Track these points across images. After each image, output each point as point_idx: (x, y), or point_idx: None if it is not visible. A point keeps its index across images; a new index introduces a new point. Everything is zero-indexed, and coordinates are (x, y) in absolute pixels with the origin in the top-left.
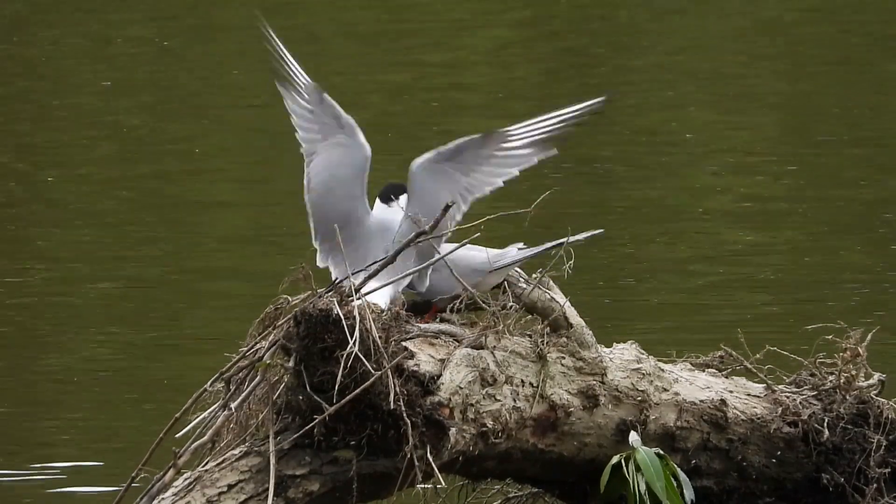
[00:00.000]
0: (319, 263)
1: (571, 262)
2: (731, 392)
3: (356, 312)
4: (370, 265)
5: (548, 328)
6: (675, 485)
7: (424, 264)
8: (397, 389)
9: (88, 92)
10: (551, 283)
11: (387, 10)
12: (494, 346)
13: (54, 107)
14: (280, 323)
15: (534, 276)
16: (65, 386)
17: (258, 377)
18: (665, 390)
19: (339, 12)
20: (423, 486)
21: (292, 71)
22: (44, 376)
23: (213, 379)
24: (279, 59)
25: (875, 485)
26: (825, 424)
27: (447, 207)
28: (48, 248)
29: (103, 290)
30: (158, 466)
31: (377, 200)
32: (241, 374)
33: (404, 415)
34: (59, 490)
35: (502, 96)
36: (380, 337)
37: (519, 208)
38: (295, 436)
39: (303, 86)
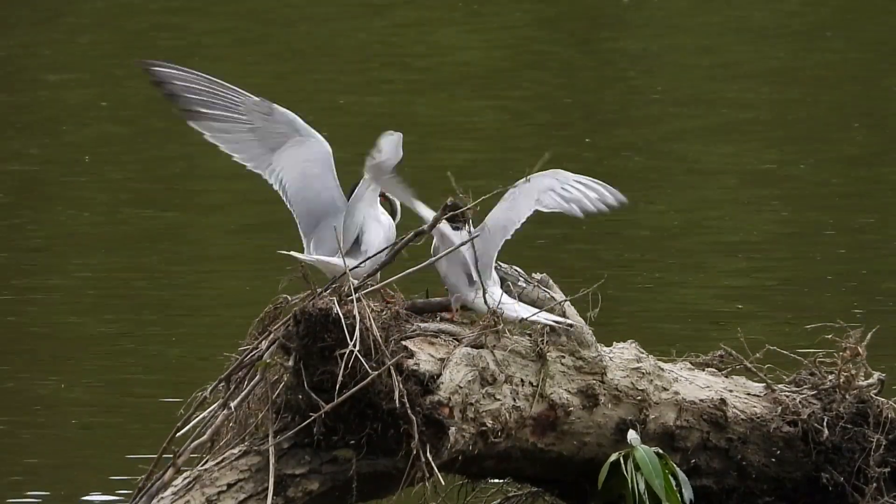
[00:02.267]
0: (304, 257)
1: (597, 309)
2: (730, 391)
3: (356, 311)
4: (364, 260)
5: (547, 327)
6: (673, 484)
7: (422, 264)
8: (401, 387)
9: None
10: (551, 282)
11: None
12: (494, 346)
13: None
14: (279, 323)
15: (534, 275)
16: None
17: (257, 376)
18: (665, 389)
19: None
20: (423, 484)
21: (217, 95)
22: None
23: (215, 385)
24: (193, 89)
25: (875, 484)
26: (825, 424)
27: (445, 207)
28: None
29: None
30: (158, 466)
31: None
32: (240, 374)
33: (408, 411)
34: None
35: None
36: (380, 336)
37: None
38: (290, 433)
39: (243, 105)
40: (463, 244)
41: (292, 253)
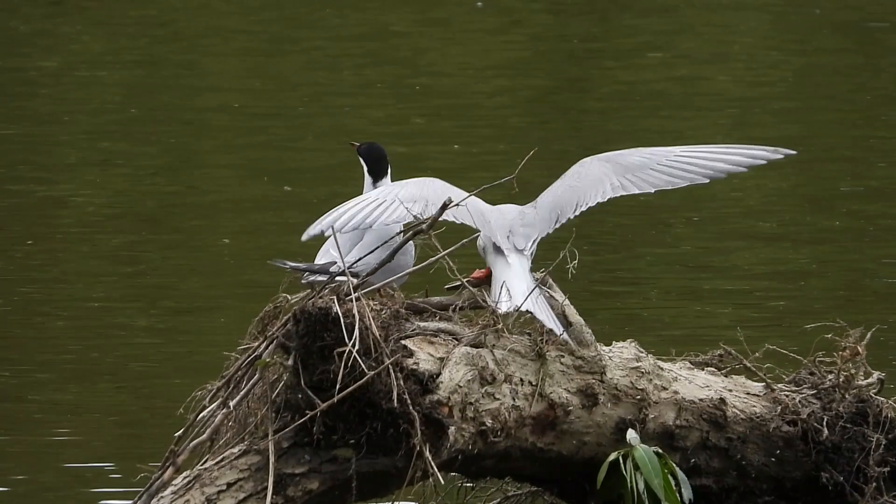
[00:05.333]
0: (293, 265)
1: (575, 261)
2: (730, 391)
3: (355, 311)
4: (359, 259)
5: (547, 328)
6: (672, 484)
7: (422, 265)
8: (401, 384)
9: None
10: (551, 281)
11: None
12: (494, 345)
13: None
14: (279, 323)
15: (535, 275)
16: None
17: (257, 375)
18: (664, 389)
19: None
20: (422, 484)
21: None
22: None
23: (219, 386)
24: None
25: (874, 484)
26: (824, 423)
27: (444, 206)
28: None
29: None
30: (158, 464)
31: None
32: (240, 373)
33: (410, 406)
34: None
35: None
36: (379, 335)
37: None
38: (287, 429)
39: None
40: (470, 240)
41: (278, 262)
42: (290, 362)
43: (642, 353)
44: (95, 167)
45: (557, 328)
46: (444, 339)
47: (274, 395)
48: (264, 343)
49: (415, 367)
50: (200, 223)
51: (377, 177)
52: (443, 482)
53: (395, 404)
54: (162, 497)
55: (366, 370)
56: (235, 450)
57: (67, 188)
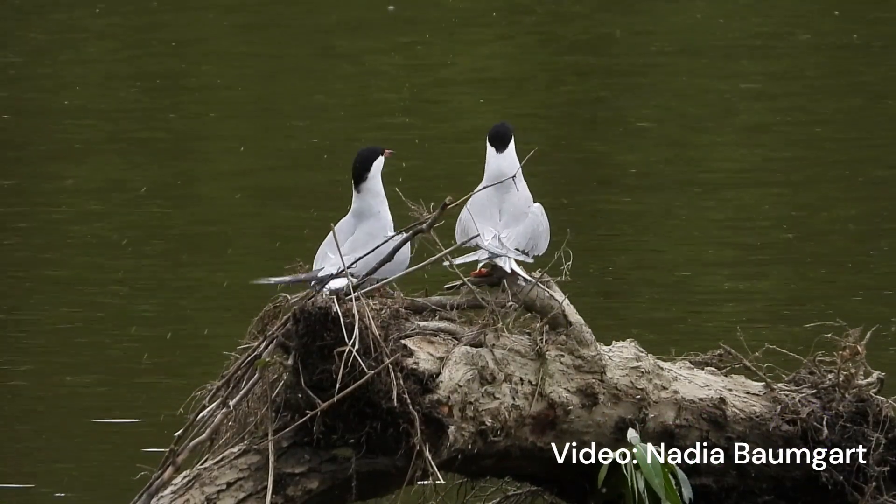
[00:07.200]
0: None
1: (569, 262)
2: (730, 390)
3: (355, 310)
4: (358, 259)
5: (547, 326)
6: (673, 483)
7: (422, 264)
8: (401, 384)
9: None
10: (551, 281)
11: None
12: (493, 344)
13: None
14: (279, 322)
15: (533, 274)
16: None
17: (256, 375)
18: (664, 388)
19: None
20: (423, 483)
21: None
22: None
23: (219, 386)
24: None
25: (874, 483)
26: (824, 423)
27: (444, 206)
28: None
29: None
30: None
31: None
32: (239, 372)
33: (409, 406)
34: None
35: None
36: (379, 335)
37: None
38: (287, 429)
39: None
40: (468, 240)
41: (262, 281)
42: (289, 362)
43: (642, 352)
44: (94, 186)
45: (526, 276)
46: (444, 339)
47: (274, 395)
48: (264, 343)
49: (414, 366)
50: (202, 234)
51: (356, 182)
52: (442, 481)
53: (395, 404)
54: (162, 496)
55: (366, 370)
56: (235, 449)
57: (67, 202)
